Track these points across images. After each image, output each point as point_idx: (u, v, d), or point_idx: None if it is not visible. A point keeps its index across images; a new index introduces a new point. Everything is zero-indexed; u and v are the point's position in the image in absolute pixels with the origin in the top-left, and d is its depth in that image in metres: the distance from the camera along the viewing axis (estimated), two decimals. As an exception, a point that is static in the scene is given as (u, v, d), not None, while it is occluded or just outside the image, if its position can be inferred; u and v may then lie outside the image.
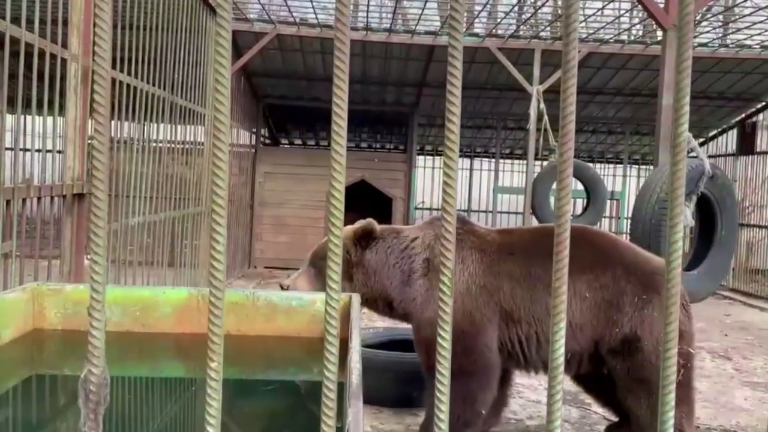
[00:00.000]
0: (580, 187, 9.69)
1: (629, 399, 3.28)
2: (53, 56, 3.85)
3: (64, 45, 3.97)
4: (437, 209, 13.61)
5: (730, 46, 9.37)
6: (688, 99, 0.87)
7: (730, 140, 12.00)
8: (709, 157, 11.74)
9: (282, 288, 3.38)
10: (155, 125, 5.80)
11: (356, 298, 3.48)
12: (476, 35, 9.24)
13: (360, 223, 3.68)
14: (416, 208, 12.42)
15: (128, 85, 5.00)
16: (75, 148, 4.19)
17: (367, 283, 3.51)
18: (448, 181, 0.89)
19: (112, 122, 5.08)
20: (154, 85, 5.46)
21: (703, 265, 4.17)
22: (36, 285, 3.50)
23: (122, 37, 4.90)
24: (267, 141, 13.23)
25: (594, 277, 3.24)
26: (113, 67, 4.73)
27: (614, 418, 3.97)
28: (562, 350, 0.83)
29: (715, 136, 12.31)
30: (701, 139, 12.31)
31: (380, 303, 3.57)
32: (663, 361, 0.89)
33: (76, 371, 3.48)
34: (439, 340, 0.84)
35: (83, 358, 2.73)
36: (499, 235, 3.55)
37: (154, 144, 5.86)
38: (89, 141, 4.61)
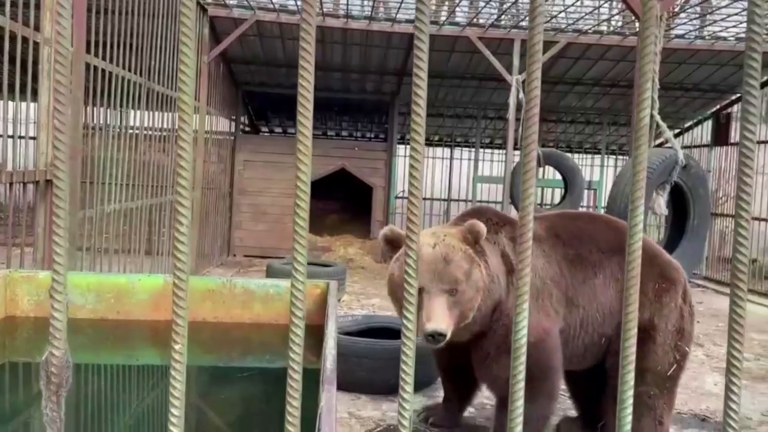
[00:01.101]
0: (558, 176, 9.78)
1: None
2: (25, 40, 3.78)
3: (37, 28, 3.90)
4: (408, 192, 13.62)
5: (706, 38, 9.48)
6: (650, 84, 0.89)
7: (705, 131, 12.17)
8: (685, 147, 11.90)
9: (430, 336, 2.84)
10: (131, 111, 5.73)
11: (333, 285, 3.49)
12: (456, 24, 9.23)
13: (474, 225, 3.05)
14: (396, 197, 12.43)
15: (103, 71, 4.93)
16: (48, 133, 4.13)
17: (491, 289, 3.09)
18: (414, 164, 0.90)
19: (87, 108, 5.00)
20: (130, 70, 5.38)
21: (675, 252, 4.25)
22: (8, 272, 3.46)
23: (97, 22, 4.83)
24: (246, 129, 13.14)
25: (624, 258, 3.27)
26: (87, 51, 4.66)
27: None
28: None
29: (690, 127, 12.47)
30: (677, 130, 12.46)
31: (485, 311, 3.10)
32: (622, 343, 0.91)
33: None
34: (404, 337, 0.85)
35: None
36: (546, 222, 3.38)
37: (131, 130, 5.79)
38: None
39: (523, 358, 0.85)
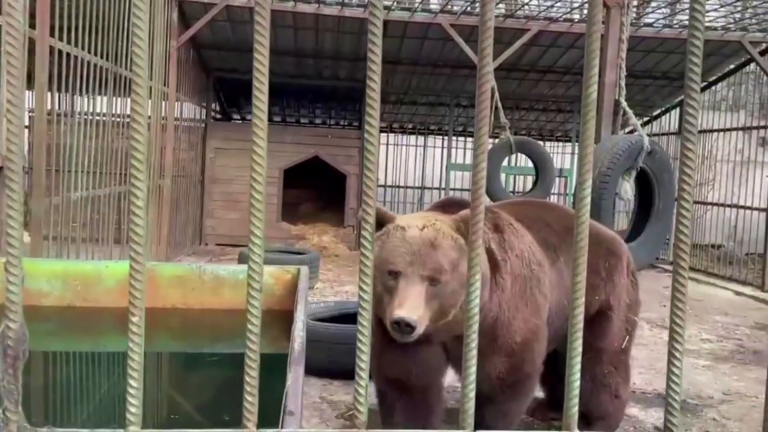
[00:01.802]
0: (530, 164, 9.88)
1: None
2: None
3: (-3, 10, 3.80)
4: (391, 186, 13.67)
5: (675, 26, 9.62)
6: (596, 62, 0.91)
7: (673, 119, 12.38)
8: (653, 135, 12.11)
9: (396, 324, 2.43)
10: (98, 97, 5.63)
11: (304, 271, 3.50)
12: (429, 11, 9.23)
13: (455, 216, 2.75)
14: (369, 185, 12.41)
15: (68, 54, 4.84)
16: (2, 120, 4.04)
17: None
18: (369, 149, 0.91)
19: (50, 93, 4.91)
20: (96, 54, 5.29)
21: (640, 237, 4.34)
22: (-30, 259, 3.40)
23: (61, 4, 4.73)
24: (218, 116, 12.99)
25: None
26: (51, 34, 4.57)
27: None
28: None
29: (659, 115, 12.68)
30: (646, 118, 12.67)
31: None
32: (570, 319, 0.94)
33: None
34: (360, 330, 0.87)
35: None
36: (504, 210, 3.20)
37: (97, 117, 5.69)
38: (29, 114, 4.44)
39: (476, 327, 0.87)
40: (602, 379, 3.32)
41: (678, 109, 12.21)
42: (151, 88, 7.06)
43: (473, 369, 0.85)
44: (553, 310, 3.03)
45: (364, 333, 0.94)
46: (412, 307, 2.41)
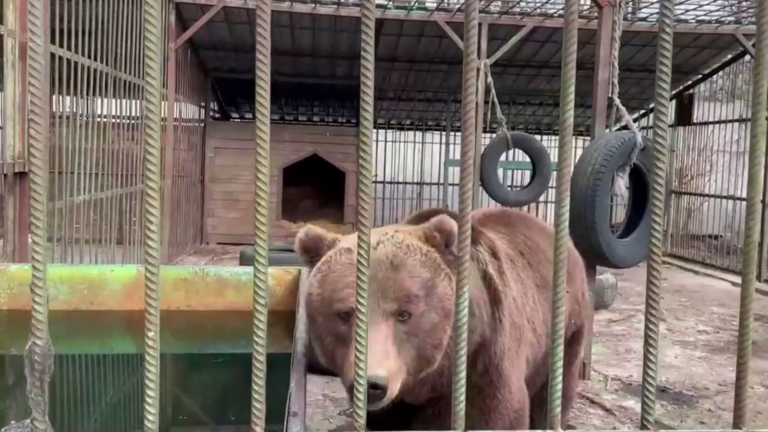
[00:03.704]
0: (527, 158, 9.94)
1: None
2: (-12, 32, 3.75)
3: (0, 20, 3.87)
4: (390, 182, 13.72)
5: (669, 20, 9.66)
6: (573, 61, 0.98)
7: (669, 112, 12.42)
8: (649, 128, 12.16)
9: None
10: (98, 100, 5.69)
11: (305, 272, 3.57)
12: (425, 9, 9.28)
13: (445, 221, 2.00)
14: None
15: (68, 60, 4.89)
16: (15, 125, 4.11)
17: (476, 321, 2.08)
18: (365, 151, 0.98)
19: (53, 97, 4.97)
20: (95, 59, 5.34)
21: (635, 232, 4.40)
22: (-21, 266, 3.47)
23: (61, 9, 4.78)
24: (216, 115, 13.04)
25: (567, 264, 2.70)
26: (51, 41, 4.62)
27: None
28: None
29: (653, 109, 12.72)
30: (642, 111, 12.72)
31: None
32: (552, 327, 1.01)
33: (22, 351, 3.49)
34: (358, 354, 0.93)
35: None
36: (496, 234, 2.56)
37: (98, 119, 5.76)
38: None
39: (464, 358, 0.94)
40: (570, 392, 3.08)
41: (674, 101, 12.26)
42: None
43: (463, 367, 0.92)
44: (540, 361, 2.44)
45: (362, 335, 1.01)
46: (377, 359, 1.69)
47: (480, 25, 9.00)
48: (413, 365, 1.82)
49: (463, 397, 0.94)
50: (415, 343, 1.82)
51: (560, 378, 0.96)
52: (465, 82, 0.93)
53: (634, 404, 4.33)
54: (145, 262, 0.90)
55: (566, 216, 0.94)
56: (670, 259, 11.19)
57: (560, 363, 0.94)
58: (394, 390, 1.73)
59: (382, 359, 1.70)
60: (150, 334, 0.87)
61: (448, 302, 1.87)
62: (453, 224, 1.94)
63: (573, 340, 2.91)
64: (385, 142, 13.67)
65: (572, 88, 0.95)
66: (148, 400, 0.90)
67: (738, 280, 9.40)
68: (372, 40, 0.94)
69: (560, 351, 0.93)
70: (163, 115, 8.00)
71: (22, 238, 4.42)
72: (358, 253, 0.95)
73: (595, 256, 4.42)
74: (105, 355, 3.48)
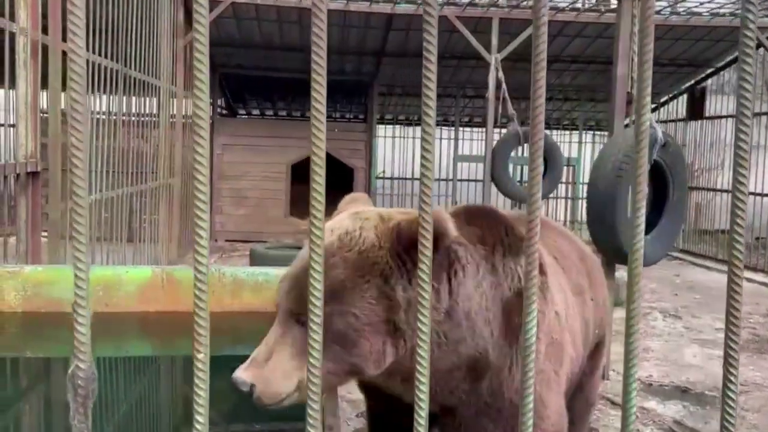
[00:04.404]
0: (537, 154, 9.83)
1: (579, 395, 2.60)
2: (0, 30, 3.70)
3: (12, 18, 3.82)
4: (398, 178, 13.66)
5: (681, 13, 9.56)
6: (650, 64, 0.91)
7: (680, 105, 12.32)
8: (660, 122, 12.06)
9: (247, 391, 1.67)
10: (108, 98, 5.64)
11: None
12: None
13: (406, 217, 1.74)
14: (377, 178, 12.44)
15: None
16: (27, 124, 4.06)
17: (448, 337, 1.77)
18: (426, 152, 0.91)
19: (62, 95, 4.92)
20: (106, 57, 5.29)
21: (655, 230, 4.32)
22: (-7, 268, 3.42)
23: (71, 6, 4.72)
24: (224, 112, 13.00)
25: (585, 269, 2.56)
26: (63, 39, 4.57)
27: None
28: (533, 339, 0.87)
29: (666, 102, 12.62)
30: (653, 105, 12.60)
31: (459, 374, 1.83)
32: (627, 322, 0.94)
33: (37, 353, 3.45)
34: (418, 373, 0.87)
35: (46, 340, 2.71)
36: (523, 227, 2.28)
37: (107, 117, 5.71)
38: (43, 115, 4.47)
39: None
40: (593, 398, 2.92)
41: (685, 96, 12.14)
42: (159, 87, 7.06)
43: (530, 399, 0.86)
44: (576, 373, 2.32)
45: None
46: (248, 360, 1.64)
47: (490, 19, 8.91)
48: (331, 367, 1.62)
49: (530, 413, 0.88)
50: (329, 351, 1.58)
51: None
52: (534, 83, 0.87)
53: (655, 405, 4.27)
54: (194, 269, 0.84)
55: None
56: (682, 255, 11.10)
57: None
58: (266, 391, 1.59)
59: (251, 361, 1.62)
60: (200, 353, 0.80)
61: (369, 308, 1.63)
62: (442, 215, 1.64)
63: (596, 350, 2.69)
64: (393, 137, 13.59)
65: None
66: (198, 409, 0.84)
67: (752, 275, 9.33)
68: (435, 37, 0.88)
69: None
70: (172, 113, 7.95)
71: (35, 238, 4.38)
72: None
73: (615, 256, 4.35)
74: (119, 357, 3.43)
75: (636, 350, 0.91)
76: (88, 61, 5.01)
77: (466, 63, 11.22)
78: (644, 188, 0.88)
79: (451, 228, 1.64)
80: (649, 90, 0.87)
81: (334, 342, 1.61)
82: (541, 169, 0.88)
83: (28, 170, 4.08)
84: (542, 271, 1.96)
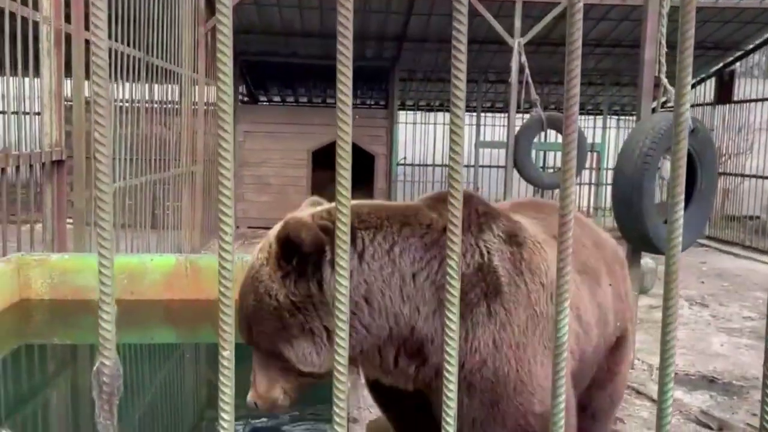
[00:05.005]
0: (560, 139, 9.72)
1: (600, 393, 2.58)
2: (24, 19, 3.72)
3: (36, 7, 3.83)
4: (420, 165, 13.58)
5: (710, -6, 9.33)
6: (690, 50, 0.87)
7: (708, 89, 12.05)
8: (692, 107, 11.82)
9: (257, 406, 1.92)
10: (131, 86, 5.67)
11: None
12: (456, -13, 9.06)
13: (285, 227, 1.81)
14: (398, 165, 12.38)
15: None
16: (51, 113, 4.09)
17: (361, 317, 1.83)
18: (456, 130, 0.88)
19: (86, 83, 4.95)
20: (128, 44, 5.31)
21: (683, 216, 4.24)
22: (20, 255, 3.47)
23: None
24: (245, 99, 13.02)
25: (605, 255, 2.55)
26: (85, 27, 4.59)
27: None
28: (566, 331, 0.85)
29: (693, 86, 12.35)
30: (680, 89, 12.32)
31: (390, 350, 1.89)
32: (664, 310, 0.91)
33: (65, 340, 3.50)
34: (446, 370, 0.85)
35: (72, 327, 2.72)
36: (527, 219, 2.29)
37: (131, 105, 5.74)
38: (67, 103, 4.50)
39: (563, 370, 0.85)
40: (617, 398, 2.81)
41: (713, 79, 11.87)
42: (181, 75, 7.08)
43: (562, 381, 0.83)
44: (590, 357, 2.27)
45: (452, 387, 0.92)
46: (252, 387, 1.88)
47: (513, 2, 8.76)
48: (281, 379, 1.88)
49: (561, 423, 0.85)
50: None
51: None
52: (568, 74, 0.83)
53: (681, 395, 4.21)
54: (219, 261, 0.82)
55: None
56: (708, 242, 10.91)
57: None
58: (267, 401, 1.88)
59: (251, 385, 1.88)
60: (225, 346, 0.79)
61: (270, 323, 1.81)
62: (292, 230, 1.75)
63: (618, 344, 2.59)
64: (414, 124, 13.51)
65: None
66: (223, 405, 0.82)
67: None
68: (465, 19, 0.84)
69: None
70: (194, 100, 7.97)
71: (61, 225, 4.43)
72: (448, 253, 0.86)
73: (641, 243, 4.28)
74: (144, 344, 3.47)
75: (673, 348, 0.88)
76: (110, 49, 5.03)
77: (488, 47, 11.07)
78: (682, 180, 0.84)
79: (306, 237, 1.74)
80: (689, 79, 0.83)
81: (270, 357, 1.84)
82: (575, 162, 0.85)
83: (53, 158, 4.12)
84: (517, 244, 2.00)
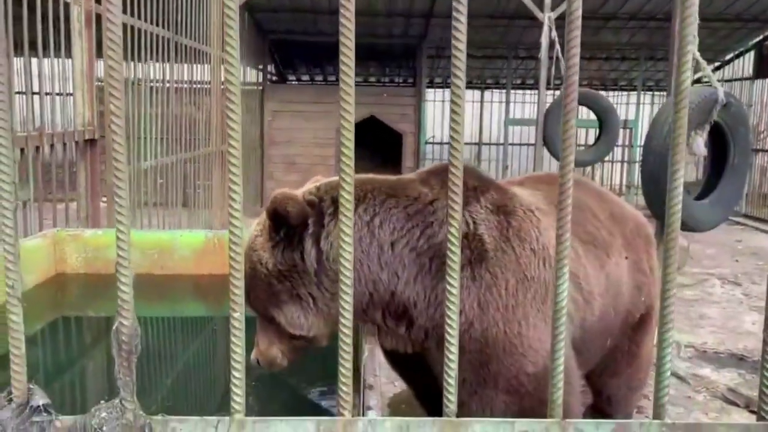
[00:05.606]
0: (593, 116, 9.57)
1: (614, 380, 2.59)
2: (55, 0, 3.80)
3: (65, -12, 3.91)
4: (448, 143, 13.50)
5: (750, -36, 9.01)
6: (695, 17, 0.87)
7: (746, 63, 11.68)
8: (725, 81, 11.49)
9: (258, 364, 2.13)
10: (161, 66, 5.75)
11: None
12: (485, -39, 8.93)
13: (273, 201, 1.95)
14: (427, 143, 12.34)
15: (131, 27, 4.93)
16: (83, 93, 4.19)
17: (329, 290, 1.95)
18: (456, 117, 0.90)
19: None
20: (157, 24, 5.37)
21: (714, 193, 4.16)
22: (56, 231, 3.59)
23: (122, -23, 4.80)
24: (274, 78, 13.08)
25: (622, 229, 2.50)
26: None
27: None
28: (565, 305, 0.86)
29: (731, 60, 11.99)
30: (717, 63, 12.00)
31: (376, 313, 1.99)
32: (663, 290, 0.92)
33: (99, 312, 3.62)
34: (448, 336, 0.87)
35: (106, 300, 2.83)
36: (528, 190, 2.32)
37: (161, 85, 5.82)
38: (98, 83, 4.59)
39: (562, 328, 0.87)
40: (637, 384, 2.77)
41: (752, 53, 11.50)
42: (210, 54, 7.14)
43: (561, 353, 0.85)
44: (594, 326, 2.25)
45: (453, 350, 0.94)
46: (255, 346, 2.09)
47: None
48: (276, 341, 2.06)
49: (560, 384, 0.87)
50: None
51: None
52: (567, 43, 0.84)
53: (709, 373, 4.17)
54: (229, 233, 0.86)
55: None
56: (744, 220, 10.67)
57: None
58: (266, 359, 2.07)
59: (255, 344, 2.06)
60: (236, 311, 0.83)
61: (264, 290, 1.97)
62: (279, 203, 1.90)
63: (641, 323, 2.54)
64: (443, 101, 13.42)
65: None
66: (235, 381, 0.87)
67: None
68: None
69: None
70: (222, 79, 8.05)
71: (95, 203, 4.56)
72: (449, 221, 0.88)
73: (669, 219, 4.23)
74: (174, 317, 3.57)
75: (672, 314, 0.89)
76: (140, 29, 5.10)
77: (517, 23, 10.91)
78: (682, 149, 0.84)
79: (292, 210, 1.89)
80: (689, 47, 0.83)
81: (265, 321, 2.03)
82: (574, 130, 0.86)
83: (86, 137, 4.22)
84: (506, 212, 2.04)
